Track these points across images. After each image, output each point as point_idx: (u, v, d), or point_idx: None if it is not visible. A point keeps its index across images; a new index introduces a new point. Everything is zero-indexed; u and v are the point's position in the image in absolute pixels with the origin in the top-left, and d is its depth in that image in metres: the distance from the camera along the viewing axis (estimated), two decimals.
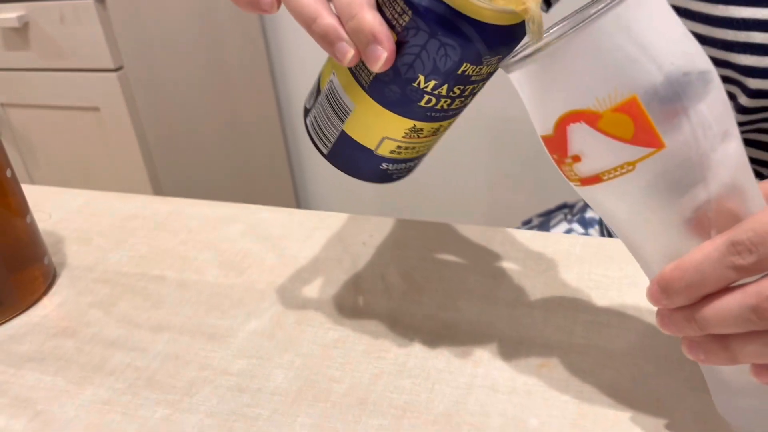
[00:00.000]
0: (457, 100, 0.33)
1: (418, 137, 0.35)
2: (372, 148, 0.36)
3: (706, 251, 0.28)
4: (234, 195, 1.50)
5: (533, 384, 0.39)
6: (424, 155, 0.38)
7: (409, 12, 0.30)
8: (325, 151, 0.38)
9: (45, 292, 0.51)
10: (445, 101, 0.33)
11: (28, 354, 0.45)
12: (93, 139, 1.27)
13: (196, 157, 1.39)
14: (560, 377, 0.39)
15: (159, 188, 1.28)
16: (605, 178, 0.29)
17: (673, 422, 0.35)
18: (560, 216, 0.75)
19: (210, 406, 0.39)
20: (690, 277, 0.29)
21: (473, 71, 0.32)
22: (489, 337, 0.43)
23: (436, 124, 0.35)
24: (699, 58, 0.28)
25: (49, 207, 0.62)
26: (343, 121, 0.35)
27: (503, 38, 0.31)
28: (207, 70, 1.39)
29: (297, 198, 1.80)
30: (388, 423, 0.37)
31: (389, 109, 0.33)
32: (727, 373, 0.33)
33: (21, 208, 0.49)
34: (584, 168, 0.29)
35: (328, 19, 0.31)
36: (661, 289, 0.30)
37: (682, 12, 0.51)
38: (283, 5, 0.33)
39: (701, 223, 0.29)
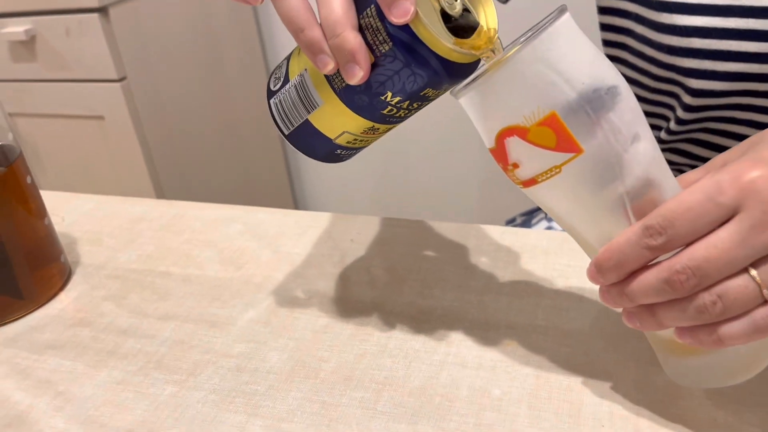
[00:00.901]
0: (413, 111, 0.39)
1: (374, 134, 0.41)
2: (332, 137, 0.40)
3: (627, 236, 0.34)
4: (234, 198, 1.55)
5: (498, 360, 0.44)
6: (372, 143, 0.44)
7: (390, 43, 0.35)
8: (286, 132, 0.41)
9: (62, 288, 0.56)
10: (404, 112, 0.38)
11: (48, 342, 0.50)
12: (98, 147, 1.32)
13: (196, 162, 1.44)
14: (522, 354, 0.44)
15: (161, 192, 1.33)
16: (540, 180, 0.35)
17: (617, 389, 0.40)
18: (541, 215, 0.80)
19: (213, 384, 0.44)
20: (616, 258, 0.34)
21: (433, 93, 0.38)
22: (461, 321, 0.48)
23: (391, 126, 0.40)
24: (608, 76, 0.34)
25: (63, 211, 0.68)
26: (309, 112, 0.39)
27: (463, 72, 0.37)
28: (206, 78, 1.44)
29: (294, 199, 1.85)
30: (369, 395, 0.42)
31: (355, 112, 0.38)
32: (668, 340, 0.38)
33: (40, 211, 0.54)
34: (522, 173, 0.35)
35: (314, 32, 0.36)
36: (596, 270, 0.35)
37: (634, 17, 0.56)
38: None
39: (623, 212, 0.34)
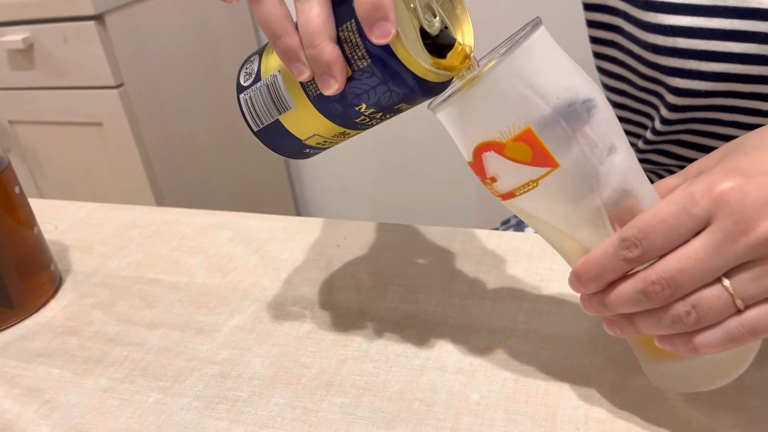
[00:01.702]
0: (386, 120, 0.39)
1: (344, 137, 0.41)
2: (302, 138, 0.40)
3: (604, 247, 0.34)
4: (234, 203, 1.55)
5: (478, 364, 0.44)
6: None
7: (369, 60, 0.35)
8: (255, 129, 0.42)
9: (52, 296, 0.57)
10: (376, 121, 0.39)
11: (37, 350, 0.51)
12: (97, 153, 1.33)
13: (195, 168, 1.44)
14: (501, 358, 0.44)
15: (160, 198, 1.34)
16: (517, 193, 0.35)
17: (594, 392, 0.41)
18: None
19: (197, 391, 0.45)
20: (595, 270, 0.34)
21: (406, 107, 0.38)
22: (443, 325, 0.48)
23: (361, 131, 0.41)
24: (583, 89, 0.34)
25: (55, 219, 0.68)
26: (280, 113, 0.39)
27: (438, 89, 0.37)
28: (204, 83, 1.45)
29: (295, 203, 1.86)
30: (349, 401, 0.43)
31: (327, 119, 0.38)
32: (648, 345, 0.38)
33: (29, 220, 0.55)
34: (500, 186, 0.35)
35: (292, 39, 0.36)
36: (576, 280, 0.36)
37: (622, 14, 0.57)
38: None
39: (601, 223, 0.35)
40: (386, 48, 0.34)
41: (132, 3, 1.24)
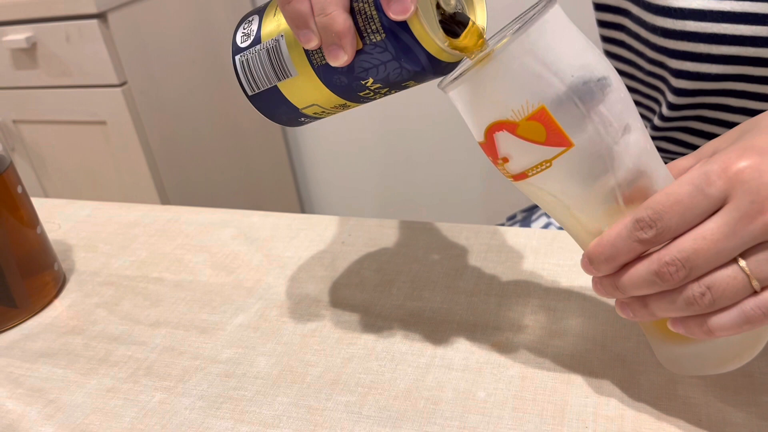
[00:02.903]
0: (389, 95, 0.38)
1: (343, 109, 0.40)
2: (299, 107, 0.39)
3: (618, 229, 0.33)
4: (238, 201, 1.55)
5: (484, 362, 0.44)
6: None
7: (383, 34, 0.34)
8: (249, 93, 0.40)
9: (56, 295, 0.56)
10: (380, 96, 0.38)
11: (41, 350, 0.50)
12: (100, 151, 1.33)
13: (199, 165, 1.44)
14: (508, 355, 0.44)
15: (165, 196, 1.34)
16: (530, 174, 0.34)
17: (602, 389, 0.40)
18: (541, 211, 0.80)
19: (201, 390, 0.45)
20: (608, 252, 0.34)
21: (414, 84, 0.37)
22: (448, 323, 0.48)
23: (362, 104, 0.39)
24: (598, 67, 0.33)
25: (59, 218, 0.68)
26: (279, 80, 0.38)
27: (448, 69, 0.36)
28: (207, 81, 1.44)
29: (300, 200, 1.86)
30: (355, 399, 0.42)
31: (330, 90, 0.37)
32: (661, 328, 0.38)
33: (31, 220, 0.55)
34: (513, 167, 0.35)
35: (302, 4, 0.34)
36: (588, 262, 0.35)
37: None
38: None
39: (615, 204, 0.34)
40: (402, 24, 0.33)
41: (134, 1, 1.23)
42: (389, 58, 0.34)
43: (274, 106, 0.40)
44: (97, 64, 1.21)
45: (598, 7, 0.62)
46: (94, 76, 1.23)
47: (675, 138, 0.61)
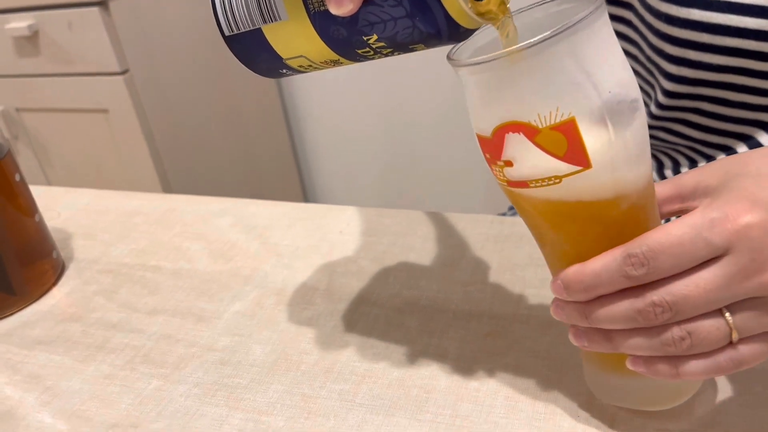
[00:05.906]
0: (389, 56, 0.34)
1: (333, 65, 0.35)
2: (283, 57, 0.34)
3: (606, 260, 0.32)
4: (241, 190, 1.55)
5: (478, 351, 0.44)
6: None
7: None
8: (227, 33, 0.35)
9: (55, 283, 0.57)
10: (380, 56, 0.33)
11: (39, 337, 0.51)
12: (103, 140, 1.33)
13: (202, 154, 1.44)
14: (502, 344, 0.44)
15: (167, 185, 1.34)
16: (532, 185, 0.31)
17: None
18: None
19: (196, 378, 0.45)
20: (589, 281, 0.32)
21: (421, 49, 0.33)
22: (444, 311, 0.48)
23: (356, 63, 0.34)
24: (631, 87, 0.31)
25: (58, 206, 0.68)
26: (265, 22, 0.33)
27: (462, 37, 0.32)
28: (209, 69, 1.44)
29: (303, 189, 1.86)
30: (348, 387, 0.42)
31: (324, 42, 0.32)
32: (600, 357, 0.37)
33: (30, 208, 0.55)
34: (514, 173, 0.31)
35: None
36: (563, 286, 0.34)
37: None
38: None
39: (606, 235, 0.32)
40: None
41: None
42: (402, 14, 0.30)
43: (253, 51, 0.35)
44: (99, 52, 1.21)
45: None
46: (96, 63, 1.23)
47: (673, 129, 0.61)
